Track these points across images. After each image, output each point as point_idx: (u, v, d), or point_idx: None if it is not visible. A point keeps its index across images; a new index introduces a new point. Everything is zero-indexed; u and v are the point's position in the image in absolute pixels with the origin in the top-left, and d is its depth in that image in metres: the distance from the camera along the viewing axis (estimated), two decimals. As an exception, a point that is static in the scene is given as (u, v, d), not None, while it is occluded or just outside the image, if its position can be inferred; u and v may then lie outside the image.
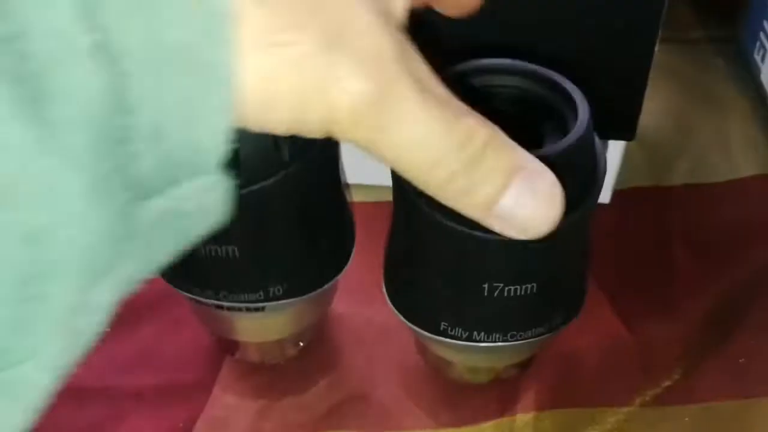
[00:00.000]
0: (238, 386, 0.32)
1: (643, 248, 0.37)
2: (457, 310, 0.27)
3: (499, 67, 0.26)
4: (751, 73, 0.44)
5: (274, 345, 0.32)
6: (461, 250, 0.25)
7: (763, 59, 0.43)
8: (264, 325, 0.30)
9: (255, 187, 0.24)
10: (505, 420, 0.31)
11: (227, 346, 0.32)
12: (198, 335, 0.33)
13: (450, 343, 0.28)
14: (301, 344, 0.32)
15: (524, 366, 0.32)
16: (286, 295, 0.28)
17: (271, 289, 0.27)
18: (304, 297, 0.28)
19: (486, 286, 0.26)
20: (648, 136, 0.39)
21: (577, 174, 0.24)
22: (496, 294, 0.26)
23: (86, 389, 0.31)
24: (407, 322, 0.29)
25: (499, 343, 0.28)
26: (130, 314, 0.33)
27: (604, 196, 0.37)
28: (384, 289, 0.30)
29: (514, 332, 0.27)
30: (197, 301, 0.28)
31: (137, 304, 0.33)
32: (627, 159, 0.36)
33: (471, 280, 0.26)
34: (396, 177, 0.25)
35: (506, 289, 0.26)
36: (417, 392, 0.32)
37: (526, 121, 0.25)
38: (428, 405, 0.32)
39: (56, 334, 0.14)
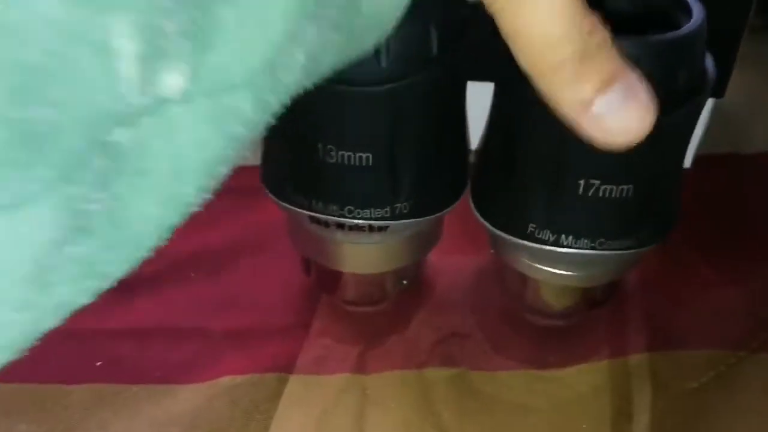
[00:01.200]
0: (336, 327, 0.33)
1: (730, 212, 0.38)
2: (548, 210, 0.27)
3: None
4: None
5: (377, 282, 0.32)
6: (563, 140, 0.25)
7: None
8: (378, 252, 0.30)
9: (403, 82, 0.24)
10: (618, 360, 0.31)
11: (327, 283, 0.33)
12: (292, 277, 0.34)
13: (535, 248, 0.28)
14: (405, 282, 0.33)
15: (608, 295, 0.32)
16: (412, 214, 0.28)
17: (399, 206, 0.27)
18: (428, 218, 0.29)
19: (582, 182, 0.26)
20: (723, 108, 0.41)
21: (687, 68, 0.25)
22: (591, 193, 0.26)
23: (179, 329, 0.32)
24: (492, 227, 0.29)
25: (586, 251, 0.28)
26: (218, 258, 0.35)
27: (687, 160, 0.38)
28: (470, 197, 0.30)
29: (603, 240, 0.28)
30: (316, 220, 0.28)
31: (223, 246, 0.35)
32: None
33: (568, 174, 0.26)
34: (503, 65, 0.26)
35: (602, 188, 0.26)
36: (521, 332, 0.32)
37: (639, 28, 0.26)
38: (534, 345, 0.32)
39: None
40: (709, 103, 0.38)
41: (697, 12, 0.26)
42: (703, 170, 0.39)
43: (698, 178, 0.38)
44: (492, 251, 0.34)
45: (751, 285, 0.34)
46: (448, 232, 0.36)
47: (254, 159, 0.39)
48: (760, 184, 0.40)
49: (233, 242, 0.36)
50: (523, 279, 0.32)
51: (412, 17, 0.24)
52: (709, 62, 0.27)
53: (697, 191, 0.38)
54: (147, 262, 0.34)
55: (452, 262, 0.35)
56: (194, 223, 0.36)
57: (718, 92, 0.38)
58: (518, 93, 0.26)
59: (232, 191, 0.38)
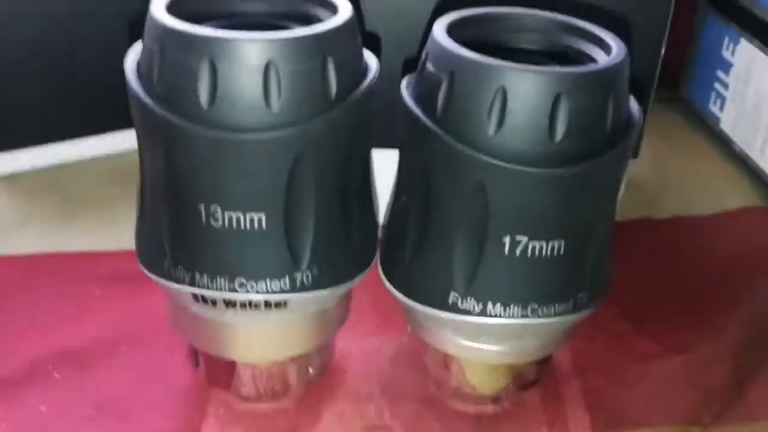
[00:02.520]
0: (232, 431, 0.27)
1: (652, 276, 0.36)
2: (472, 275, 0.24)
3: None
4: (705, 123, 0.50)
5: (278, 372, 0.28)
6: (481, 192, 0.22)
7: (721, 108, 0.48)
8: (277, 335, 0.26)
9: (298, 127, 0.21)
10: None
11: (219, 376, 0.28)
12: (177, 372, 0.29)
13: (459, 321, 0.24)
14: (311, 371, 0.28)
15: (541, 374, 0.28)
16: (315, 285, 0.24)
17: (299, 276, 0.23)
18: (333, 289, 0.25)
19: (507, 239, 0.23)
20: (630, 179, 0.41)
21: (614, 104, 0.22)
22: (518, 251, 0.23)
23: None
24: (407, 300, 0.25)
25: (518, 320, 0.24)
26: (88, 354, 0.29)
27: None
28: (380, 270, 0.27)
29: (536, 306, 0.24)
30: (202, 298, 0.24)
31: (95, 340, 0.30)
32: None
33: (491, 232, 0.23)
34: (408, 122, 0.23)
35: (531, 245, 0.23)
36: (448, 423, 0.28)
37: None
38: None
39: None
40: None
41: (619, 47, 0.23)
42: (619, 237, 0.37)
43: (615, 245, 0.37)
44: (409, 329, 0.30)
45: (692, 354, 0.31)
46: (357, 310, 0.32)
47: (131, 240, 0.35)
48: (677, 248, 0.38)
49: (107, 335, 0.30)
50: (446, 359, 0.28)
51: (307, 52, 0.21)
52: (634, 104, 0.24)
53: (615, 259, 0.36)
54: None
55: (364, 346, 0.31)
56: (60, 315, 0.32)
57: (632, 152, 0.37)
58: (426, 148, 0.23)
59: (107, 277, 0.34)
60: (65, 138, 0.41)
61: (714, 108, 0.49)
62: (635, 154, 0.37)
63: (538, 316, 0.24)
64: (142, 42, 0.23)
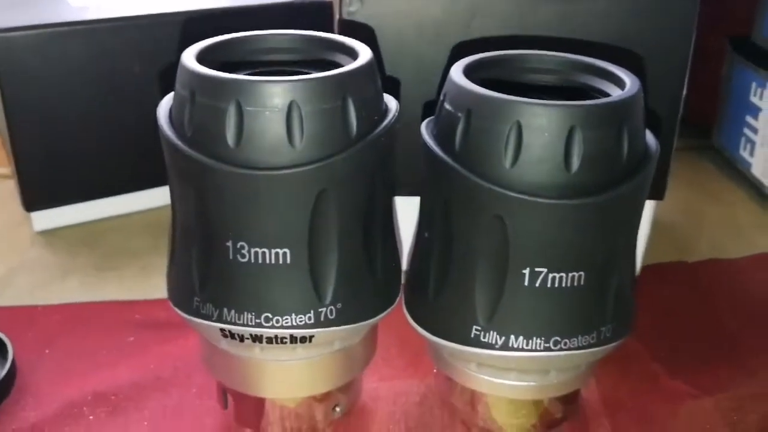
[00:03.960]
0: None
1: (685, 318, 0.36)
2: (493, 308, 0.24)
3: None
4: (736, 169, 0.50)
5: (305, 411, 0.28)
6: (501, 227, 0.23)
7: (752, 153, 0.48)
8: (303, 371, 0.26)
9: (320, 163, 0.22)
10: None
11: (247, 415, 0.28)
12: (207, 413, 0.29)
13: (482, 355, 0.25)
14: (338, 410, 0.28)
15: (569, 412, 0.28)
16: (339, 320, 0.24)
17: (324, 310, 0.24)
18: (358, 326, 0.25)
19: (527, 271, 0.23)
20: (663, 223, 0.42)
21: (629, 135, 0.23)
22: (538, 283, 0.23)
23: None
24: (431, 336, 0.26)
25: (540, 353, 0.24)
26: (121, 397, 0.30)
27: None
28: (405, 309, 0.27)
29: (558, 338, 0.24)
30: (230, 334, 0.24)
31: (128, 383, 0.31)
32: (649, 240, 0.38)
33: (511, 264, 0.23)
34: (432, 164, 0.24)
35: (550, 276, 0.23)
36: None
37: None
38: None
39: None
40: (650, 206, 0.36)
41: (632, 81, 0.24)
42: (651, 280, 0.37)
43: (647, 287, 0.37)
44: (435, 368, 0.30)
45: (725, 395, 0.31)
46: (385, 353, 0.32)
47: (163, 287, 0.36)
48: (711, 290, 0.38)
49: (139, 379, 0.31)
50: (473, 398, 0.28)
51: (328, 92, 0.22)
52: (650, 138, 0.25)
53: (648, 301, 0.35)
54: (33, 405, 0.29)
55: (393, 388, 0.31)
56: (95, 361, 0.32)
57: (658, 194, 0.37)
58: (446, 184, 0.24)
59: (140, 324, 0.35)
60: (104, 195, 0.42)
61: (744, 153, 0.49)
62: (661, 196, 0.37)
63: (562, 349, 0.24)
64: (174, 90, 0.24)
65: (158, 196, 0.43)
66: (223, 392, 0.28)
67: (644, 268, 0.38)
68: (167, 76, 0.25)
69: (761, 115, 0.47)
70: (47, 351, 0.33)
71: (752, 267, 0.40)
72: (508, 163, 0.23)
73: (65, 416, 0.29)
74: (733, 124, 0.51)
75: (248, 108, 0.22)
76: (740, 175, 0.49)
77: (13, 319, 0.35)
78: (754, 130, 0.48)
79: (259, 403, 0.28)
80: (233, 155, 0.22)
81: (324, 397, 0.28)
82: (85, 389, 0.30)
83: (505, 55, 0.26)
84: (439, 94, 0.26)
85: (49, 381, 0.31)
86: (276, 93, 0.22)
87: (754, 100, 0.48)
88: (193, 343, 0.33)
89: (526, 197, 0.22)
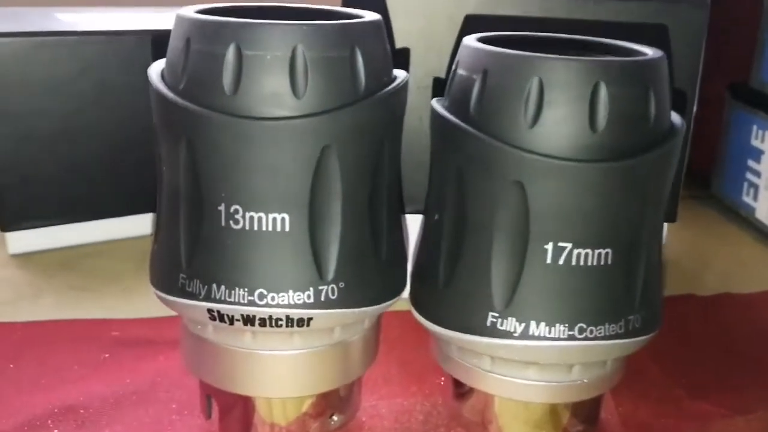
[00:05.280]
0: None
1: (702, 348, 0.34)
2: (512, 289, 0.22)
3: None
4: (739, 215, 0.49)
5: (299, 419, 0.25)
6: (521, 196, 0.21)
7: (755, 197, 0.48)
8: (299, 365, 0.23)
9: (325, 115, 0.20)
10: None
11: (233, 425, 0.25)
12: (187, 426, 0.26)
13: (498, 346, 0.22)
14: (335, 419, 0.25)
15: (588, 425, 0.25)
16: (341, 301, 0.22)
17: (324, 289, 0.21)
18: (361, 310, 0.23)
19: (550, 247, 0.21)
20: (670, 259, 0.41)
21: (656, 99, 0.21)
22: (562, 260, 0.21)
23: None
24: (442, 329, 0.23)
25: (563, 341, 0.22)
26: (91, 412, 0.27)
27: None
28: (411, 304, 0.24)
29: (583, 325, 0.22)
30: (218, 315, 0.22)
31: (101, 397, 0.28)
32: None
33: (532, 238, 0.21)
34: (442, 133, 0.22)
35: (575, 252, 0.21)
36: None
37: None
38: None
39: None
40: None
41: (656, 50, 0.23)
42: (665, 310, 0.35)
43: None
44: (442, 379, 0.28)
45: (753, 414, 0.28)
46: (387, 371, 0.30)
47: (144, 310, 0.34)
48: (725, 321, 0.36)
49: (112, 393, 0.28)
50: (484, 417, 0.25)
51: (335, 40, 0.21)
52: (676, 117, 0.23)
53: (664, 330, 0.33)
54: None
55: (395, 406, 0.28)
56: (64, 375, 0.29)
57: (670, 216, 0.36)
58: (459, 152, 0.22)
59: (116, 342, 0.32)
60: (86, 219, 0.40)
61: (747, 198, 0.48)
62: (673, 218, 0.36)
63: (587, 338, 0.22)
64: (168, 47, 0.22)
65: (146, 224, 0.41)
66: (207, 398, 0.25)
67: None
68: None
69: (764, 158, 0.46)
70: (11, 366, 0.30)
71: (764, 302, 0.38)
72: (528, 123, 0.21)
73: (27, 429, 0.26)
74: (735, 170, 0.50)
75: (248, 52, 0.20)
76: (744, 220, 0.48)
77: (-24, 335, 0.32)
78: (757, 174, 0.47)
79: (247, 415, 0.25)
80: (230, 104, 0.20)
81: (319, 413, 0.25)
82: (51, 402, 0.27)
83: (516, 34, 0.25)
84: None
85: (12, 394, 0.28)
86: (279, 36, 0.20)
87: (756, 143, 0.47)
88: (175, 360, 0.30)
89: (548, 159, 0.21)
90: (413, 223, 0.27)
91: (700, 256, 0.43)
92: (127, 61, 0.38)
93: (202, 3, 0.23)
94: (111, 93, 0.39)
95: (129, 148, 0.39)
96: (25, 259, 0.39)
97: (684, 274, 0.40)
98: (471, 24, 0.30)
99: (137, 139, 0.39)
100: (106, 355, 0.31)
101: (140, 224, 0.41)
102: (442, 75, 0.31)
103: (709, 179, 0.52)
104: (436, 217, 0.24)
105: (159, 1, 0.52)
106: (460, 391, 0.26)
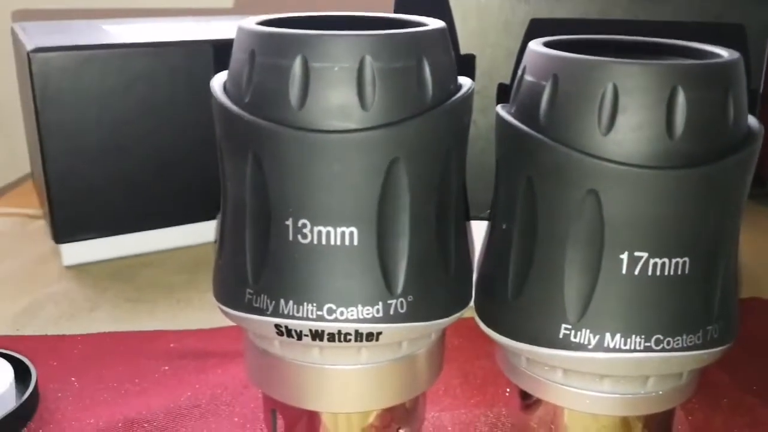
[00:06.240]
0: None
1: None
2: (586, 300, 0.21)
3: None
4: None
5: (365, 431, 0.24)
6: (596, 204, 0.20)
7: None
8: (366, 380, 0.23)
9: (393, 127, 0.20)
10: None
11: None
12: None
13: (572, 359, 0.22)
14: (401, 432, 0.25)
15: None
16: (409, 315, 0.21)
17: (393, 303, 0.21)
18: (430, 323, 0.22)
19: (626, 256, 0.21)
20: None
21: (734, 103, 0.21)
22: (638, 270, 0.21)
23: None
24: (513, 342, 0.22)
25: (640, 353, 0.21)
26: (156, 425, 0.27)
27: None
28: (477, 316, 0.24)
29: (660, 336, 0.21)
30: (286, 331, 0.21)
31: (165, 411, 0.27)
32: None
33: (607, 248, 0.21)
34: (510, 141, 0.22)
35: (652, 262, 0.21)
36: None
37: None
38: None
39: None
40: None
41: (731, 52, 0.22)
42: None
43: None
44: (507, 390, 0.27)
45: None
46: (450, 382, 0.29)
47: (199, 321, 0.33)
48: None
49: (175, 406, 0.28)
50: (554, 419, 0.25)
51: (402, 50, 0.20)
52: (753, 120, 0.22)
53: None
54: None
55: (457, 416, 0.28)
56: (126, 389, 0.29)
57: None
58: (529, 161, 0.21)
59: (175, 354, 0.32)
60: (139, 229, 0.40)
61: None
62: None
63: (664, 350, 0.21)
64: (231, 60, 0.22)
65: (198, 233, 0.41)
66: (272, 412, 0.25)
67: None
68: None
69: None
70: (73, 379, 0.30)
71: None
72: (602, 130, 0.20)
73: (92, 444, 0.26)
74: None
75: (315, 64, 0.20)
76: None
77: (37, 348, 0.32)
78: (817, 170, 0.46)
79: (312, 429, 0.24)
80: (296, 118, 0.20)
81: (384, 425, 0.25)
82: (115, 417, 0.27)
83: (582, 38, 0.24)
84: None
85: (76, 409, 0.28)
86: (347, 47, 0.20)
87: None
88: (234, 372, 0.30)
89: (624, 167, 0.20)
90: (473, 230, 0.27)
91: (762, 258, 0.42)
92: (174, 72, 0.38)
93: (238, 14, 0.23)
94: (159, 103, 0.39)
95: (178, 157, 0.39)
96: (79, 270, 0.39)
97: (747, 277, 0.39)
98: (535, 28, 0.30)
99: (186, 148, 0.39)
100: (166, 368, 0.31)
101: (190, 233, 0.41)
102: (499, 78, 0.31)
103: (765, 178, 0.51)
104: (504, 226, 0.23)
105: (201, 11, 0.52)
106: (528, 402, 0.25)
